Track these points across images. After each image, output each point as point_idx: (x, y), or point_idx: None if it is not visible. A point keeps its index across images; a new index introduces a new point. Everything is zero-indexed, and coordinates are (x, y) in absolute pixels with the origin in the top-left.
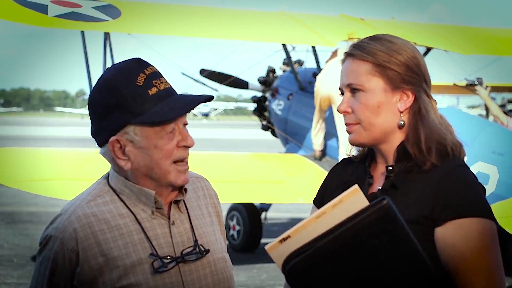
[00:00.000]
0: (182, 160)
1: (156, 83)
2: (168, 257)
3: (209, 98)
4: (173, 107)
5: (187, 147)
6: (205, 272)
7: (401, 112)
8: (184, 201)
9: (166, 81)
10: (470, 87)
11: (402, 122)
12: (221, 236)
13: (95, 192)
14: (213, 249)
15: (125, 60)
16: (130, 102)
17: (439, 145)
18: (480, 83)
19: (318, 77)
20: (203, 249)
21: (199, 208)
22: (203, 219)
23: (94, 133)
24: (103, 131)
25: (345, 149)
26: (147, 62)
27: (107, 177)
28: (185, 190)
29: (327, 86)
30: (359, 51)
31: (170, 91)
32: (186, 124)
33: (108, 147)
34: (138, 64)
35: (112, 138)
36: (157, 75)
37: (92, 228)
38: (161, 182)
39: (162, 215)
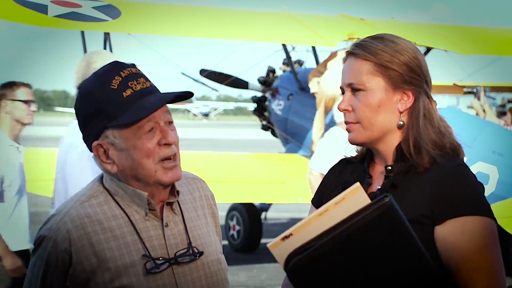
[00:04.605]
0: (169, 158)
1: (132, 84)
2: (161, 259)
3: (184, 94)
4: (146, 106)
5: (168, 144)
6: (199, 274)
7: (401, 113)
8: (178, 202)
9: (145, 81)
10: (468, 94)
11: (401, 123)
12: (216, 238)
13: (89, 193)
14: (208, 251)
15: (104, 65)
16: (105, 107)
17: (430, 147)
18: (478, 95)
19: (321, 78)
20: (196, 251)
21: (194, 209)
22: (198, 221)
23: (83, 140)
24: (88, 137)
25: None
26: (126, 64)
27: (101, 177)
28: (178, 192)
29: (333, 87)
30: (361, 50)
31: (147, 90)
32: (171, 121)
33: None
34: (114, 67)
35: (95, 143)
36: (135, 76)
37: (85, 229)
38: (148, 182)
39: (156, 216)
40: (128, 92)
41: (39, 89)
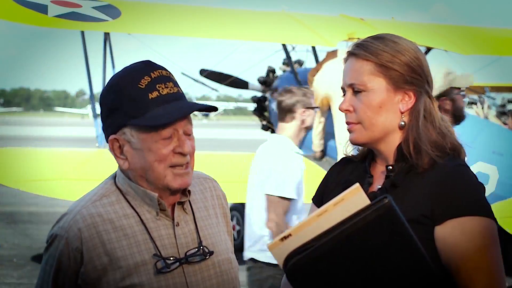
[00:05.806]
0: (181, 165)
1: (159, 87)
2: (171, 258)
3: (208, 108)
4: (168, 113)
5: (183, 154)
6: (210, 273)
7: (402, 113)
8: (190, 202)
9: (173, 86)
10: (472, 104)
11: (403, 123)
12: (227, 237)
13: (101, 192)
14: (218, 250)
15: (137, 62)
16: (129, 104)
17: (430, 148)
18: (482, 104)
19: (315, 78)
20: (207, 250)
21: (205, 209)
22: (209, 220)
23: (102, 129)
24: (106, 129)
25: (342, 149)
26: (158, 65)
27: (114, 177)
28: (189, 192)
29: (326, 86)
30: (362, 50)
31: (174, 96)
32: (189, 134)
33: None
34: (146, 66)
35: (111, 137)
36: (164, 79)
37: (97, 228)
38: (157, 185)
39: (167, 216)
40: (154, 94)
41: (39, 89)
